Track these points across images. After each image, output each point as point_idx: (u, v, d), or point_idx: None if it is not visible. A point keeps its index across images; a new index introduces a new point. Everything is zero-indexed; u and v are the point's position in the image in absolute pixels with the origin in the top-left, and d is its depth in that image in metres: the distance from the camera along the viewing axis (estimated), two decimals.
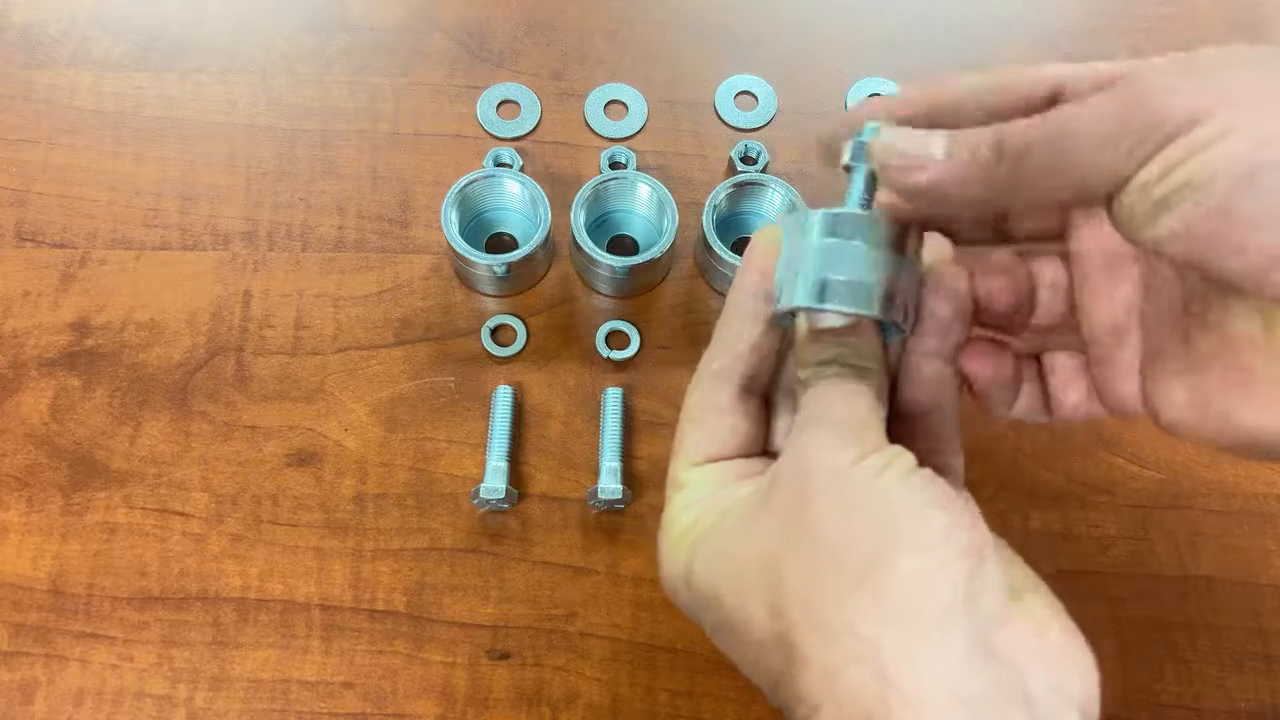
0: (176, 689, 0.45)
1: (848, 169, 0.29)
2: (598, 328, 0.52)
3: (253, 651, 0.46)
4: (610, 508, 0.48)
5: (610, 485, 0.47)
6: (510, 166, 0.54)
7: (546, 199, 0.51)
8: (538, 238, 0.50)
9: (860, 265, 0.28)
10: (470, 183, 0.52)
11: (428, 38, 0.61)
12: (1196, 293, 0.27)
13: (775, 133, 0.59)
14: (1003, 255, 0.31)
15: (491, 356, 0.52)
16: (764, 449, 0.31)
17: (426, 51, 0.60)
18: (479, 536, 0.48)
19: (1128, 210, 0.24)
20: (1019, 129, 0.25)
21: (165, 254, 0.54)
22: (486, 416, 0.50)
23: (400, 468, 0.49)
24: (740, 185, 0.52)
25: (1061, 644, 0.26)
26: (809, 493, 0.26)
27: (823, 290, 0.28)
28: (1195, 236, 0.23)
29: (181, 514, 0.48)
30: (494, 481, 0.47)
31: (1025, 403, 0.32)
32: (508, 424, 0.49)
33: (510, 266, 0.50)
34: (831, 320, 0.29)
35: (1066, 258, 0.31)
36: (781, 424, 0.32)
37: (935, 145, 0.26)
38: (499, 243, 0.55)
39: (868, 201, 0.29)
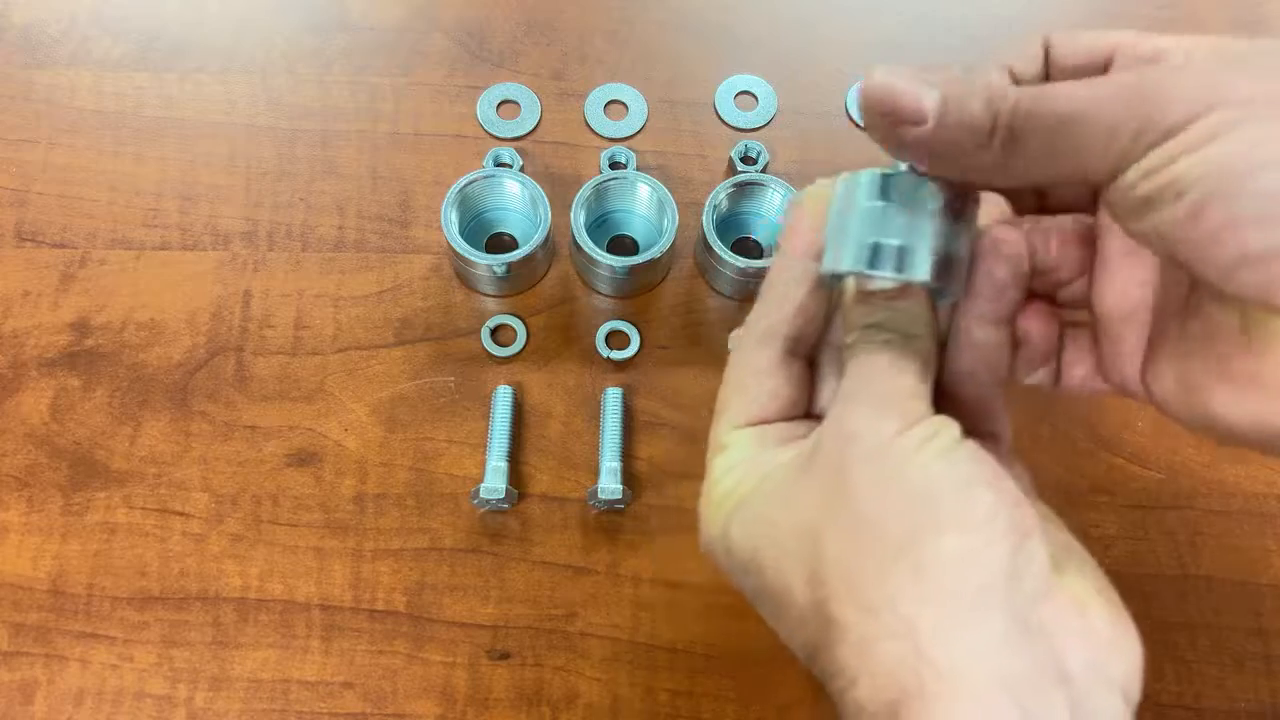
0: (176, 689, 0.45)
1: None
2: (598, 328, 0.52)
3: (253, 651, 0.46)
4: (610, 508, 0.48)
5: (610, 485, 0.47)
6: (510, 166, 0.54)
7: (546, 199, 0.51)
8: (538, 238, 0.50)
9: (912, 229, 0.27)
10: (470, 183, 0.52)
11: (428, 38, 0.61)
12: (1194, 283, 0.27)
13: (775, 133, 0.59)
14: (1067, 221, 0.30)
15: (491, 356, 0.52)
16: (808, 412, 0.31)
17: (426, 51, 0.60)
18: (479, 536, 0.48)
19: (1115, 202, 0.24)
20: (1017, 108, 0.24)
21: (165, 254, 0.54)
22: (486, 416, 0.50)
23: (400, 468, 0.49)
24: (740, 185, 0.52)
25: (1103, 623, 0.25)
26: (850, 464, 0.26)
27: (873, 254, 0.27)
28: (1172, 235, 0.23)
29: (181, 514, 0.48)
30: (494, 481, 0.47)
31: (1042, 370, 0.31)
32: (508, 424, 0.49)
33: (510, 266, 0.50)
34: (881, 284, 0.28)
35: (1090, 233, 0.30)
36: (827, 387, 0.31)
37: (928, 97, 0.25)
38: (499, 243, 0.55)
39: (921, 164, 0.28)
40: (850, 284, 0.29)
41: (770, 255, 0.50)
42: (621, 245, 0.55)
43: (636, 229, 0.55)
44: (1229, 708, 0.46)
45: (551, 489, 0.49)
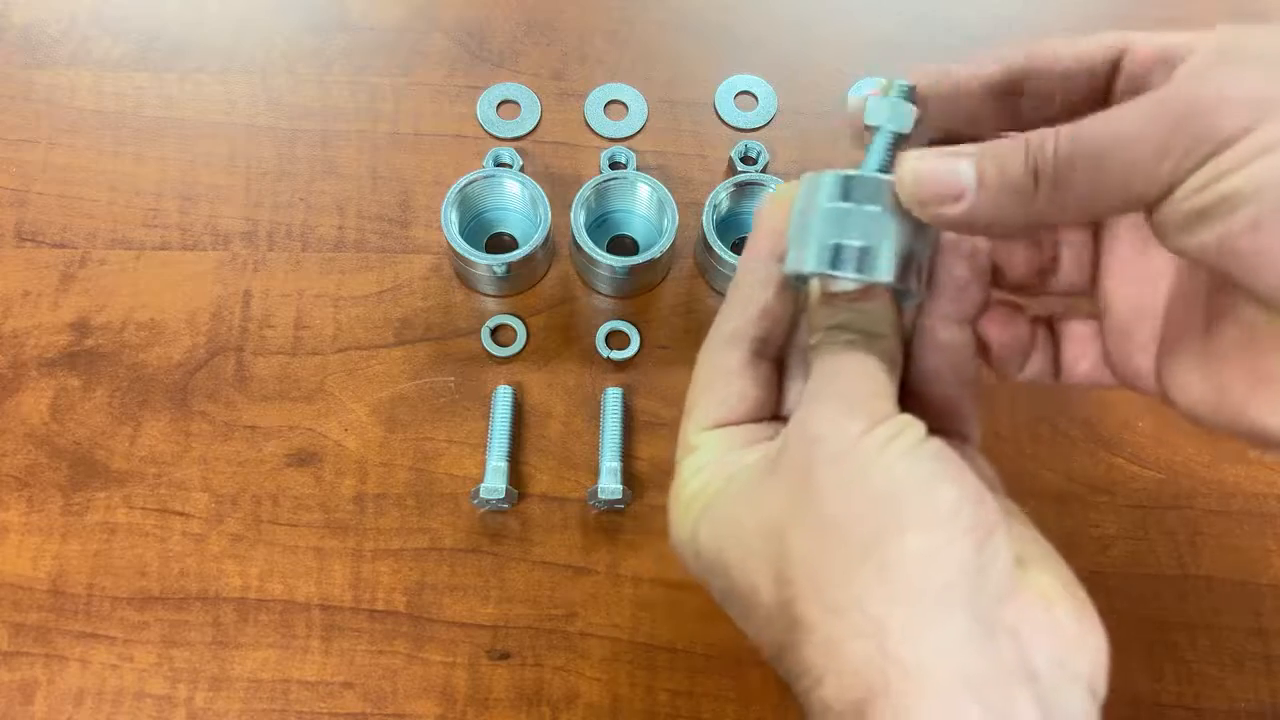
0: (176, 689, 0.45)
1: (869, 129, 0.28)
2: (598, 328, 0.52)
3: (253, 651, 0.46)
4: (610, 508, 0.48)
5: (610, 485, 0.47)
6: (510, 166, 0.54)
7: (546, 199, 0.51)
8: (538, 238, 0.50)
9: (873, 230, 0.27)
10: (470, 183, 0.52)
11: (428, 38, 0.61)
12: (1222, 286, 0.26)
13: (775, 133, 0.59)
14: None
15: (491, 356, 0.52)
16: (775, 413, 0.31)
17: (426, 51, 0.60)
18: (479, 536, 0.48)
19: (1164, 218, 0.24)
20: (1056, 152, 0.24)
21: (165, 254, 0.54)
22: (486, 416, 0.50)
23: (400, 468, 0.49)
24: (740, 185, 0.52)
25: (1069, 618, 0.25)
26: (815, 463, 0.26)
27: (835, 255, 0.27)
28: (1228, 251, 0.22)
29: (181, 514, 0.48)
30: (494, 481, 0.47)
31: (1036, 366, 0.31)
32: (508, 424, 0.49)
33: (510, 266, 0.50)
34: (844, 285, 0.28)
35: (1095, 227, 0.30)
36: (794, 388, 0.31)
37: (964, 172, 0.25)
38: (499, 243, 0.55)
39: (888, 164, 0.28)
40: (815, 285, 0.29)
41: None
42: (621, 245, 0.55)
43: (636, 229, 0.55)
44: (1229, 708, 0.46)
45: (551, 489, 0.49)
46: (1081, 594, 0.26)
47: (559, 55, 0.61)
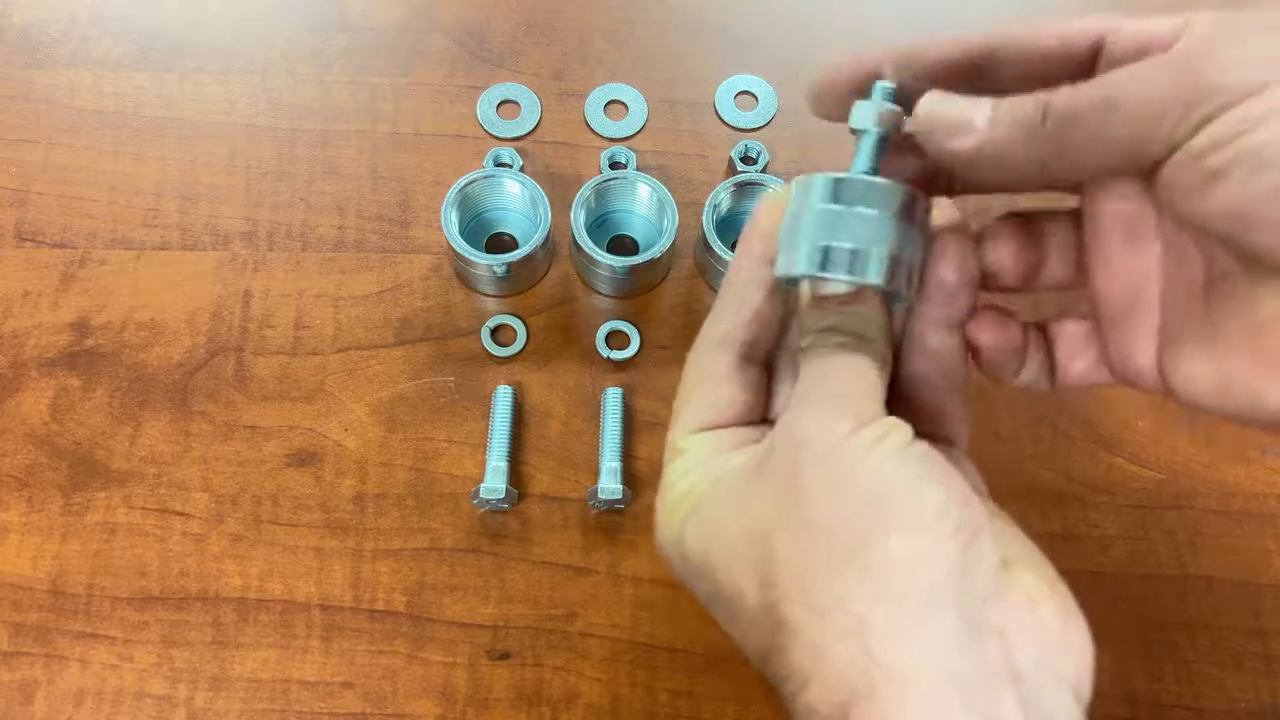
0: (176, 689, 0.45)
1: (855, 132, 0.28)
2: (598, 328, 0.52)
3: (253, 651, 0.46)
4: (610, 508, 0.48)
5: (610, 485, 0.47)
6: (510, 166, 0.54)
7: (546, 199, 0.51)
8: (538, 238, 0.50)
9: (864, 233, 0.27)
10: (470, 183, 0.52)
11: (428, 38, 0.61)
12: (1222, 270, 0.26)
13: (775, 133, 0.59)
14: (1012, 219, 0.30)
15: (491, 356, 0.52)
16: (763, 417, 0.31)
17: (426, 51, 0.60)
18: (479, 536, 0.48)
19: (1173, 180, 0.23)
20: (1065, 95, 0.24)
21: (165, 254, 0.54)
22: (486, 416, 0.50)
23: (400, 468, 0.49)
24: (740, 185, 0.52)
25: (1055, 620, 0.25)
26: (802, 465, 0.26)
27: (825, 258, 0.27)
28: (1243, 213, 0.22)
29: (181, 514, 0.48)
30: (494, 481, 0.47)
31: (1030, 371, 0.31)
32: (508, 424, 0.49)
33: (510, 266, 0.50)
34: (834, 288, 0.28)
35: (1077, 217, 0.30)
36: (782, 392, 0.31)
37: (979, 112, 0.25)
38: (499, 243, 0.55)
39: (874, 166, 0.28)
40: (805, 288, 0.29)
41: None
42: (621, 245, 0.55)
43: (636, 229, 0.55)
44: (1229, 708, 0.46)
45: (551, 489, 0.49)
46: (1067, 595, 0.26)
47: (559, 55, 0.61)
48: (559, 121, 0.59)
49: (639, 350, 0.52)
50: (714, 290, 0.54)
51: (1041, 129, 0.24)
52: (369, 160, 0.57)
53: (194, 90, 0.58)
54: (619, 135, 0.58)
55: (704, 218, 0.51)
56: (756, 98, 0.60)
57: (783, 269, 0.28)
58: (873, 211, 0.27)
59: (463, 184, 0.51)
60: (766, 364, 0.31)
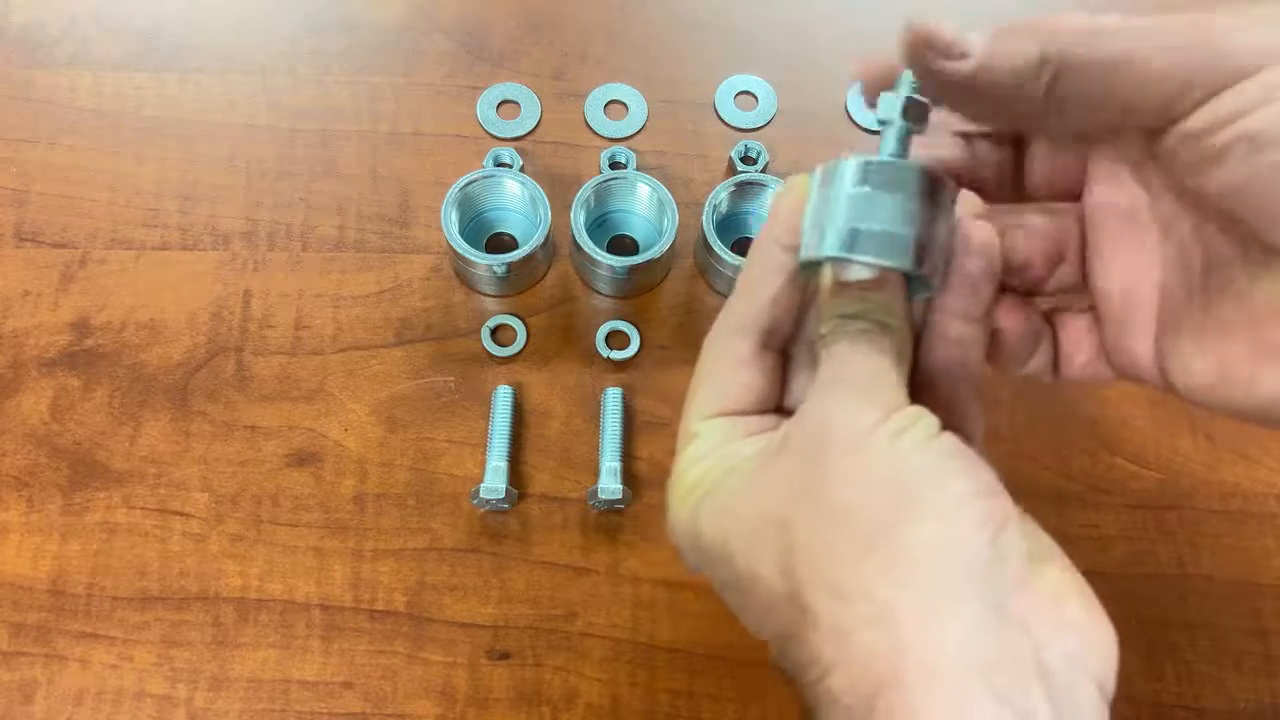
0: (176, 689, 0.45)
1: (882, 123, 0.28)
2: (598, 328, 0.52)
3: (253, 651, 0.46)
4: (610, 508, 0.48)
5: (610, 485, 0.47)
6: (510, 166, 0.54)
7: (546, 199, 0.51)
8: (538, 238, 0.50)
9: (893, 216, 0.27)
10: (470, 183, 0.52)
11: (428, 38, 0.61)
12: (1220, 259, 0.26)
13: (775, 133, 0.59)
14: (1035, 213, 0.30)
15: (491, 356, 0.52)
16: (778, 405, 0.31)
17: (426, 51, 0.60)
18: (479, 536, 0.48)
19: (1175, 153, 0.23)
20: (1066, 40, 0.24)
21: (165, 254, 0.54)
22: (486, 416, 0.50)
23: (400, 468, 0.49)
24: (740, 185, 0.52)
25: (1080, 615, 0.25)
26: (826, 453, 0.25)
27: (853, 239, 0.27)
28: (1246, 193, 0.22)
29: (181, 514, 0.48)
30: (494, 481, 0.47)
31: (1038, 361, 0.31)
32: (508, 424, 0.49)
33: (510, 266, 0.50)
34: (858, 273, 0.28)
35: (1080, 218, 0.30)
36: (798, 381, 0.31)
37: (975, 39, 0.25)
38: (499, 243, 0.55)
39: (901, 154, 0.28)
40: (827, 273, 0.29)
41: None
42: (621, 245, 0.55)
43: (636, 229, 0.55)
44: (1229, 708, 0.46)
45: (551, 489, 0.49)
46: (1090, 593, 0.26)
47: (559, 55, 0.61)
48: (559, 121, 0.59)
49: (639, 350, 0.52)
50: (714, 290, 0.54)
51: (1039, 71, 0.24)
52: (369, 160, 0.57)
53: (194, 90, 0.58)
54: (619, 135, 0.58)
55: (704, 218, 0.51)
56: (756, 98, 0.60)
57: (809, 251, 0.28)
58: (902, 195, 0.27)
59: (463, 184, 0.51)
60: (783, 352, 0.31)
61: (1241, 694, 0.46)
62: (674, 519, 0.30)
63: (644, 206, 0.54)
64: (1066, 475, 0.50)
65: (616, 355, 0.51)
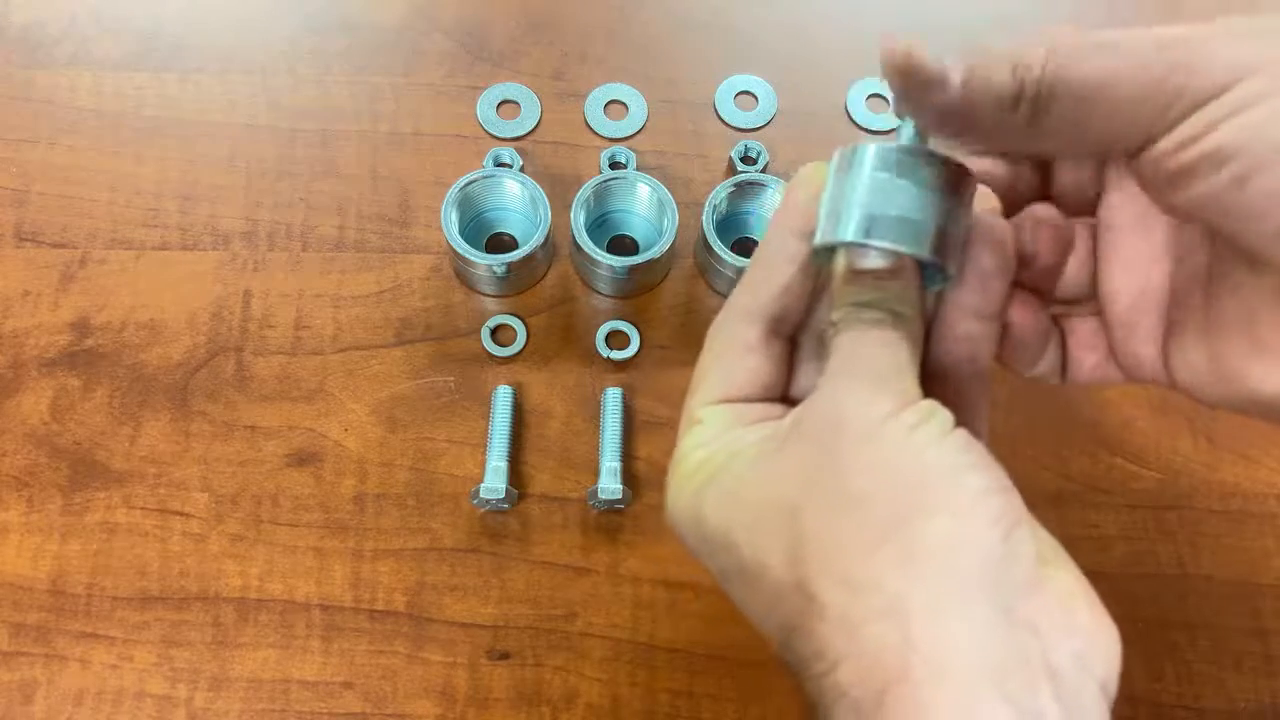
0: (176, 689, 0.45)
1: (901, 117, 0.28)
2: (598, 328, 0.52)
3: (253, 651, 0.46)
4: (610, 508, 0.48)
5: (610, 485, 0.47)
6: (510, 166, 0.54)
7: (546, 199, 0.51)
8: (538, 238, 0.50)
9: (912, 203, 0.26)
10: (470, 183, 0.52)
11: (428, 38, 0.61)
12: (1220, 257, 0.26)
13: (775, 133, 0.59)
14: (1047, 210, 0.30)
15: (491, 356, 0.52)
16: (783, 394, 0.31)
17: (426, 51, 0.60)
18: (479, 536, 0.48)
19: (1154, 172, 0.24)
20: (1038, 69, 0.24)
21: (165, 254, 0.54)
22: (486, 416, 0.50)
23: (400, 468, 0.49)
24: (740, 185, 0.52)
25: (1087, 617, 0.25)
26: (839, 441, 0.25)
27: (871, 225, 0.26)
28: (1214, 205, 0.23)
29: (181, 514, 0.48)
30: (494, 481, 0.47)
31: (1046, 363, 0.31)
32: (508, 424, 0.49)
33: (510, 266, 0.50)
34: (874, 260, 0.27)
35: (1092, 225, 0.30)
36: (805, 370, 0.31)
37: (951, 70, 0.25)
38: (499, 243, 0.55)
39: (922, 142, 0.28)
40: (840, 261, 0.28)
41: None
42: (621, 245, 0.55)
43: (636, 229, 0.55)
44: (1229, 708, 0.46)
45: (551, 489, 0.49)
46: (1094, 594, 0.26)
47: (559, 55, 0.61)
48: (559, 121, 0.59)
49: (639, 350, 0.52)
50: (714, 290, 0.54)
51: (1014, 111, 0.25)
52: (369, 160, 0.57)
53: (194, 90, 0.58)
54: (619, 135, 0.58)
55: (704, 218, 0.51)
56: (756, 98, 0.60)
57: (825, 236, 0.28)
58: (919, 182, 0.26)
59: (463, 184, 0.51)
60: (791, 341, 0.31)
61: (1241, 694, 0.46)
62: (674, 504, 0.29)
63: (644, 206, 0.54)
64: (1066, 475, 0.50)
65: (616, 355, 0.51)
